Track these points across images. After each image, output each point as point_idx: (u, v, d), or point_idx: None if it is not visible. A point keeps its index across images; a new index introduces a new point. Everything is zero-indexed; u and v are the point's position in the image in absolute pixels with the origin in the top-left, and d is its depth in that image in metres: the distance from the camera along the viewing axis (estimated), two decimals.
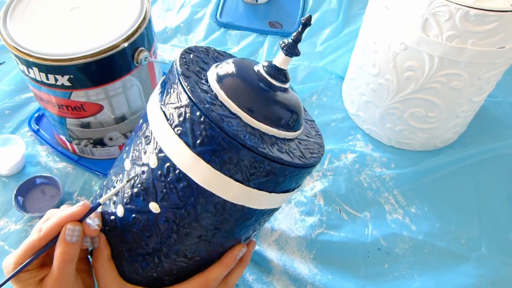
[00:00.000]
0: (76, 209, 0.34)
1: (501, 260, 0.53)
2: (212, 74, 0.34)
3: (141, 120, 0.37)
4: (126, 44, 0.46)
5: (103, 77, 0.48)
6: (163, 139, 0.33)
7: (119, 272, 0.38)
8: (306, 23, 0.33)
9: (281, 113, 0.34)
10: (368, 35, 0.58)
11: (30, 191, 0.55)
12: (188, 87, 0.32)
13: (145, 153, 0.34)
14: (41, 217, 0.53)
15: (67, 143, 0.58)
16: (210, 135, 0.31)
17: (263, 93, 0.34)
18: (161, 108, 0.33)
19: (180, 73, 0.33)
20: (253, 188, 0.32)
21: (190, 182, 0.32)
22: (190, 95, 0.31)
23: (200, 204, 0.33)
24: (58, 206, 0.53)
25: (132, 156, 0.36)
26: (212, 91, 0.33)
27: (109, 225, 0.38)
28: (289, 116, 0.34)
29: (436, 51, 0.49)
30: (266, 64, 0.35)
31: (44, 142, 0.61)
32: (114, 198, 0.37)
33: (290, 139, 0.35)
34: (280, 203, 0.37)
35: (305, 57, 0.76)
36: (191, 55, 0.36)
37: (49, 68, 0.45)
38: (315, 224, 0.55)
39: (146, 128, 0.35)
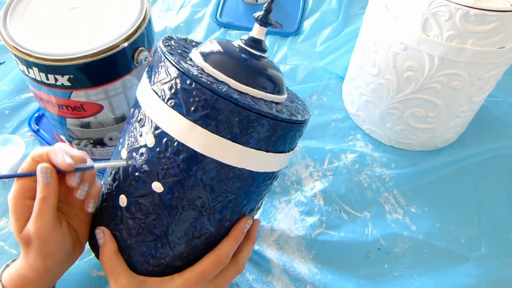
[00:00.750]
0: (61, 163, 0.34)
1: (501, 260, 0.53)
2: (195, 54, 0.37)
3: (132, 109, 0.38)
4: (126, 44, 0.46)
5: (103, 77, 0.48)
6: (157, 116, 0.34)
7: (128, 266, 0.38)
8: None
9: (264, 77, 0.36)
10: (368, 35, 0.58)
11: None
12: (175, 59, 0.34)
13: (141, 135, 0.35)
14: None
15: (67, 143, 0.58)
16: (203, 100, 0.32)
17: (246, 62, 0.36)
18: (152, 89, 0.35)
19: (165, 51, 0.35)
20: (250, 148, 0.34)
21: (190, 152, 0.33)
22: (178, 66, 0.33)
23: (202, 173, 0.34)
24: None
25: (128, 143, 0.37)
26: (198, 66, 0.35)
27: (113, 218, 0.38)
28: (273, 81, 0.37)
29: (436, 51, 0.49)
30: (244, 38, 0.38)
31: (44, 142, 0.61)
32: (114, 189, 0.37)
33: (277, 103, 0.37)
34: (277, 166, 0.38)
35: (305, 57, 0.76)
36: (172, 41, 0.38)
37: (49, 68, 0.45)
38: (315, 224, 0.55)
39: (139, 113, 0.36)
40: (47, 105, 0.51)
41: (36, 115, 0.64)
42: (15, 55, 0.46)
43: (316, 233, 0.54)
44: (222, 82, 0.34)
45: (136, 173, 0.35)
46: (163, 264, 0.38)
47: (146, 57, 0.49)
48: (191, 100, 0.32)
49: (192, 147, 0.33)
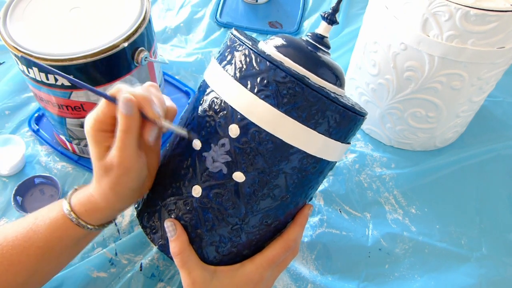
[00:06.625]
0: (152, 114, 0.34)
1: (501, 260, 0.53)
2: (268, 47, 0.38)
3: (200, 99, 0.38)
4: (126, 44, 0.46)
5: (103, 77, 0.48)
6: (244, 107, 0.34)
7: (198, 256, 0.38)
8: None
9: (334, 72, 0.38)
10: (368, 35, 0.58)
11: (29, 191, 0.55)
12: (266, 53, 0.35)
13: (220, 126, 0.35)
14: None
15: (67, 143, 0.58)
16: (296, 93, 0.33)
17: (317, 56, 0.38)
18: (237, 80, 0.35)
19: (250, 45, 0.35)
20: (331, 138, 0.36)
21: (277, 142, 0.34)
22: (271, 60, 0.34)
23: (286, 163, 0.35)
24: None
25: (202, 133, 0.36)
26: (277, 60, 0.36)
27: (184, 209, 0.38)
28: (340, 75, 0.39)
29: (436, 51, 0.49)
30: (310, 34, 0.40)
31: (44, 142, 0.61)
32: (187, 181, 0.37)
33: (342, 96, 0.39)
34: (342, 156, 0.40)
35: None
36: (240, 35, 0.39)
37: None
38: (316, 224, 0.55)
39: (215, 103, 0.36)
40: (47, 105, 0.51)
41: (36, 115, 0.64)
42: (15, 55, 0.46)
43: (317, 234, 0.54)
44: (303, 76, 0.35)
45: (216, 163, 0.36)
46: (233, 252, 0.38)
47: (146, 57, 0.49)
48: (284, 92, 0.33)
49: (281, 137, 0.34)
